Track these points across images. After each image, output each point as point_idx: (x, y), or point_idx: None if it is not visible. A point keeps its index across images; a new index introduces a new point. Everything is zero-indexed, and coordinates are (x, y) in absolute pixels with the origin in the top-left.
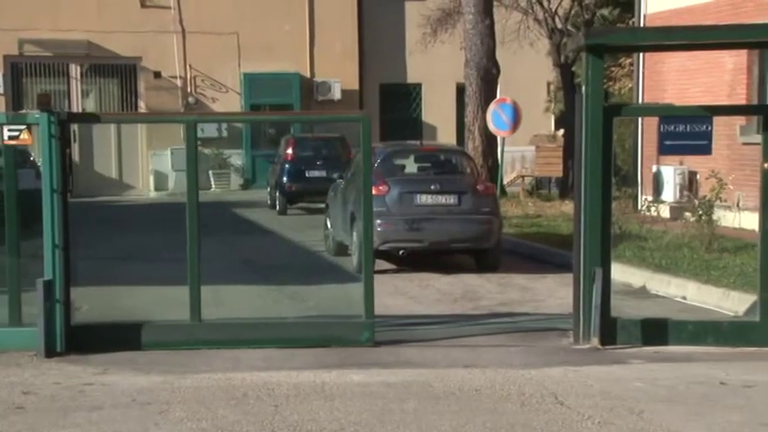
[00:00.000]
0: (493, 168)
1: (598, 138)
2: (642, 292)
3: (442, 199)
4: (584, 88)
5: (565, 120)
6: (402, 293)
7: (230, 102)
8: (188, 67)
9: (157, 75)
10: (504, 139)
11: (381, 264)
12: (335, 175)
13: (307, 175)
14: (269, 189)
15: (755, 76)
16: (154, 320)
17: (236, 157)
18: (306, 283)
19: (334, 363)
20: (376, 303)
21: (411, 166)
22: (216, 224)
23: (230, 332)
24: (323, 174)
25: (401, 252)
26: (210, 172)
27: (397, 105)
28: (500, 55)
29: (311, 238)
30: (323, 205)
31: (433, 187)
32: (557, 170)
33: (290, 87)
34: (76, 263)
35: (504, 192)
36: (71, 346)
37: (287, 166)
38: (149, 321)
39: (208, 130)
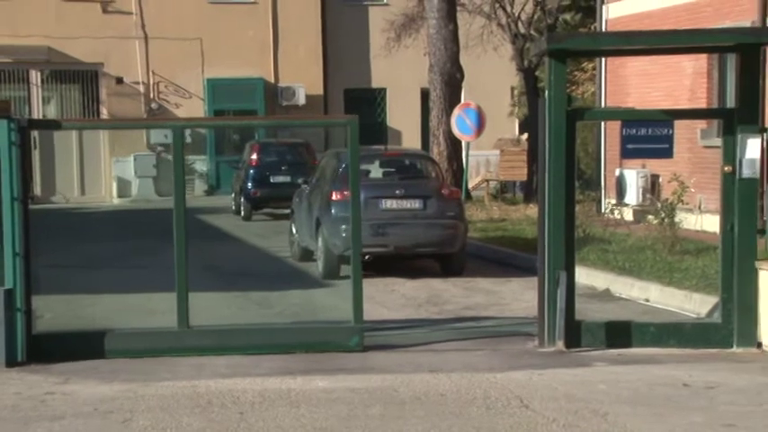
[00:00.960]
0: (458, 172)
1: (561, 141)
2: (606, 295)
3: (406, 203)
4: (547, 92)
5: (529, 124)
6: (368, 298)
7: (193, 107)
8: (150, 72)
9: (120, 80)
10: (468, 143)
11: (347, 269)
12: (300, 181)
13: (271, 180)
14: (233, 195)
15: (715, 80)
16: (137, 327)
17: (201, 163)
18: (272, 290)
19: (300, 369)
20: (341, 308)
21: (376, 172)
22: None
23: (220, 339)
24: (288, 179)
25: (366, 257)
26: None
27: (362, 110)
28: (464, 60)
29: (276, 244)
30: (288, 211)
31: (398, 192)
32: (521, 174)
33: (255, 92)
34: (38, 271)
35: (468, 196)
36: (33, 356)
37: (251, 171)
38: (127, 328)
39: (171, 135)
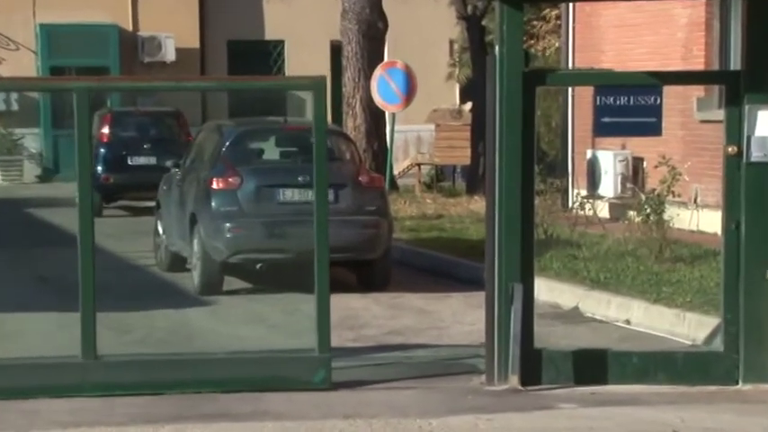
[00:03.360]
0: (380, 154)
1: (516, 114)
2: (574, 316)
3: (312, 194)
4: (497, 48)
5: (473, 90)
6: (260, 321)
7: (21, 63)
8: None
9: None
10: (394, 114)
11: (231, 282)
12: (169, 164)
13: (130, 162)
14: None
15: (716, 34)
16: (20, 357)
17: (32, 139)
18: (130, 309)
19: (169, 415)
20: (224, 333)
21: (271, 151)
22: (2, 230)
23: (138, 373)
24: (152, 161)
25: (259, 266)
26: None
27: (252, 69)
28: (387, 5)
29: (137, 248)
30: (152, 204)
31: (300, 179)
32: (463, 156)
33: (106, 44)
34: None
35: (394, 185)
36: None
37: (102, 150)
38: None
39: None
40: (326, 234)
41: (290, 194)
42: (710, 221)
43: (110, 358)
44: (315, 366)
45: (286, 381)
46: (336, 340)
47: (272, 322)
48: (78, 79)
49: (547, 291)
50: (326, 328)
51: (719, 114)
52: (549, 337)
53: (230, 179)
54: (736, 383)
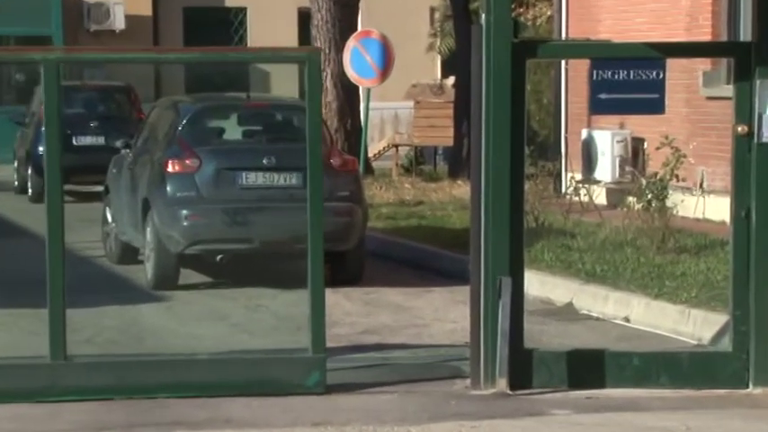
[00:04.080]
0: (353, 134)
1: (504, 89)
2: (569, 312)
3: (279, 178)
4: (484, 17)
5: (456, 63)
6: (221, 318)
7: None
8: None
9: None
10: (369, 90)
11: (189, 275)
12: (119, 144)
13: (75, 142)
14: (16, 165)
15: (724, 2)
16: None
17: None
18: (76, 305)
19: (118, 423)
20: (180, 332)
21: (233, 131)
22: None
23: (111, 375)
24: (100, 141)
25: (219, 257)
26: None
27: (210, 39)
28: None
29: (83, 238)
30: (100, 188)
31: (265, 161)
32: (445, 136)
33: (48, 11)
34: None
35: (369, 168)
36: None
37: (44, 129)
38: None
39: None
40: (320, 223)
41: (253, 178)
42: (718, 208)
43: (82, 359)
44: (308, 368)
45: (276, 384)
46: (305, 340)
47: (233, 320)
48: (47, 50)
49: (538, 285)
50: (321, 326)
51: (728, 90)
52: (540, 336)
53: (187, 161)
54: (746, 387)
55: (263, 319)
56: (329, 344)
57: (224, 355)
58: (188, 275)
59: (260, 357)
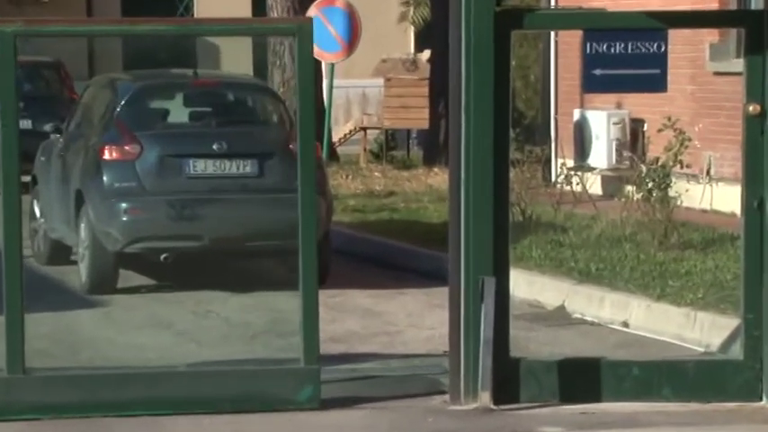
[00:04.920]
0: (316, 116)
1: (487, 64)
2: (560, 317)
3: (231, 166)
4: None
5: (432, 35)
6: (165, 326)
7: None
8: None
9: None
10: (332, 66)
11: (129, 277)
12: (48, 128)
13: None
14: None
15: None
16: None
17: None
18: None
19: None
20: (120, 342)
21: (179, 113)
22: None
23: (85, 390)
24: (26, 124)
25: (164, 257)
26: None
27: (152, 7)
28: None
29: None
30: (27, 179)
31: (216, 147)
32: (419, 118)
33: None
34: None
35: (334, 154)
36: None
37: None
38: None
39: None
40: (314, 218)
41: (202, 166)
42: (727, 198)
43: (43, 373)
44: (301, 382)
45: (264, 399)
46: (261, 350)
47: (179, 328)
48: (3, 22)
49: (526, 286)
50: (314, 333)
51: (738, 65)
52: (528, 343)
53: (126, 147)
54: (759, 399)
55: (214, 326)
56: (287, 354)
57: (201, 367)
58: (128, 277)
59: (246, 370)
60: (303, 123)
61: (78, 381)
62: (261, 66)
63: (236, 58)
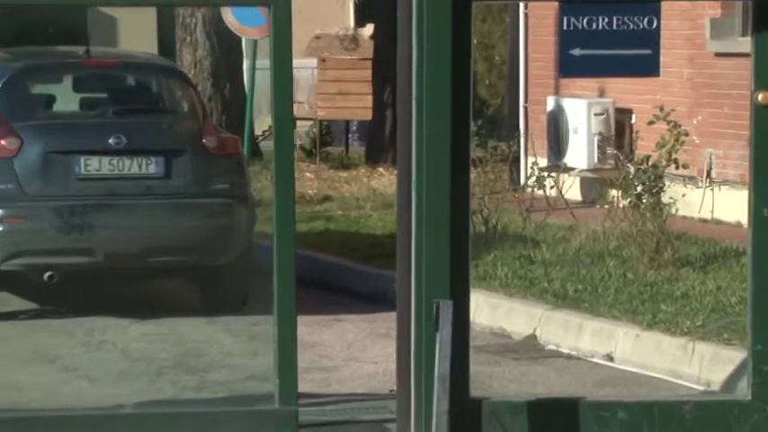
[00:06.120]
0: (234, 103)
1: (442, 42)
2: (530, 348)
3: (132, 165)
4: None
5: (375, 7)
6: (50, 360)
7: None
8: None
9: None
10: (255, 43)
11: (5, 300)
12: None
13: None
14: None
15: None
16: None
17: None
18: None
19: None
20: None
21: (67, 99)
22: None
23: None
24: None
25: (48, 275)
26: None
27: None
28: None
29: None
30: None
31: (113, 141)
32: (360, 107)
33: None
34: None
35: (256, 151)
36: None
37: None
38: None
39: None
40: (292, 229)
41: (95, 165)
42: (731, 205)
43: None
44: (275, 426)
45: None
46: (170, 389)
47: (67, 362)
48: None
49: (489, 311)
50: (291, 370)
51: (744, 44)
52: (492, 380)
53: (2, 142)
54: None
55: (110, 359)
56: (203, 394)
57: (154, 408)
58: (3, 301)
59: (204, 412)
60: (278, 114)
61: (14, 424)
62: (168, 43)
63: (137, 34)
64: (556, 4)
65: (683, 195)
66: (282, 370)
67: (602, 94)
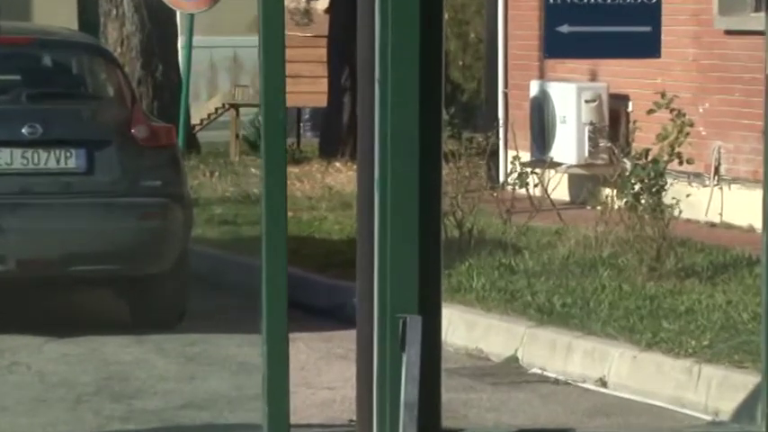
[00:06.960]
0: (167, 88)
1: (409, 18)
2: (511, 372)
3: (49, 159)
4: None
5: None
6: None
7: None
8: None
9: None
10: (191, 18)
11: None
12: None
13: None
14: None
15: None
16: None
17: None
18: None
19: None
20: None
21: None
22: None
23: None
24: None
25: None
26: None
27: None
28: None
29: None
30: None
31: (26, 131)
32: (314, 92)
33: None
34: None
35: (193, 143)
36: None
37: None
38: None
39: None
40: (284, 233)
41: (6, 158)
42: (743, 206)
43: None
44: None
45: None
46: (92, 419)
47: None
48: None
49: (465, 329)
50: (282, 393)
51: (757, 20)
52: (467, 409)
53: None
54: None
55: (22, 384)
56: (131, 425)
57: None
58: None
59: None
60: (268, 98)
61: None
62: (90, 18)
63: (54, 7)
64: None
65: (688, 195)
66: (271, 396)
67: (593, 77)
